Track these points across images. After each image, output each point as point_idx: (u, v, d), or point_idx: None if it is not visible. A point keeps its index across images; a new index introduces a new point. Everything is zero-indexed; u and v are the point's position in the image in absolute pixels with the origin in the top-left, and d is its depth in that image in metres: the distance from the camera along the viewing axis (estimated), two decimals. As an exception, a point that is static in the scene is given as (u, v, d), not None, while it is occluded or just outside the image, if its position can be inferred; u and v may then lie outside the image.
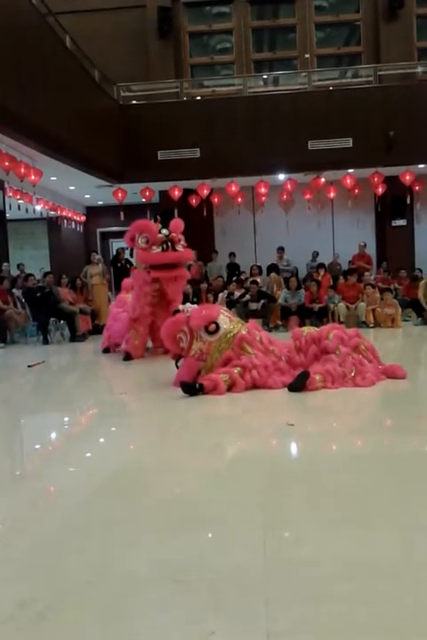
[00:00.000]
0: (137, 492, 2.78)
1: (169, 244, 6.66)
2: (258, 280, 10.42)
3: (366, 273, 10.56)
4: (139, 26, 13.70)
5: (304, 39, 14.03)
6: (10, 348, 8.85)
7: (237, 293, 10.14)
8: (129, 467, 3.25)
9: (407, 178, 11.94)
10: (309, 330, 5.33)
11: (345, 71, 14.48)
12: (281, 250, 12.17)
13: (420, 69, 13.61)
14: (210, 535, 2.30)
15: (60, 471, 3.22)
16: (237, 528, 2.31)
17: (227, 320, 5.23)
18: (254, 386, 4.88)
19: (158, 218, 7.10)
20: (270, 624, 1.67)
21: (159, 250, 6.65)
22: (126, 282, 8.43)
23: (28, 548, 2.25)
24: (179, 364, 5.21)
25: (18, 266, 12.07)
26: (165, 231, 6.72)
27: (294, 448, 3.57)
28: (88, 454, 3.58)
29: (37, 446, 3.91)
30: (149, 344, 7.49)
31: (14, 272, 11.94)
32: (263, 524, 2.32)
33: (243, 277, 11.17)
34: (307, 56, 13.97)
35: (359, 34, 14.16)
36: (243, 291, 10.11)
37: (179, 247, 6.78)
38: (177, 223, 7.03)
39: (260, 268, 11.58)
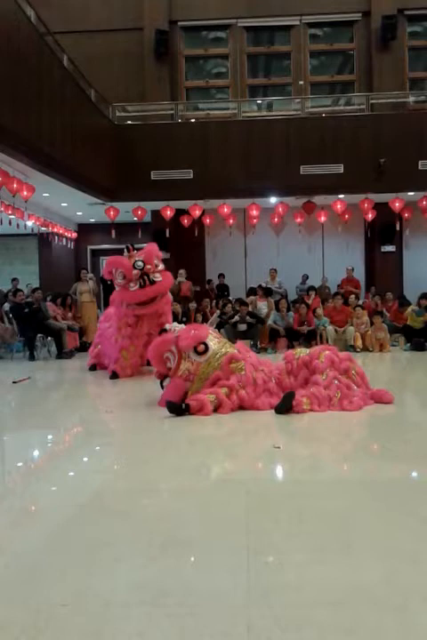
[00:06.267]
0: (119, 513, 2.73)
1: (145, 277, 6.59)
2: (249, 302, 10.42)
3: (352, 296, 10.61)
4: (136, 47, 13.87)
5: (298, 66, 14.26)
6: (-4, 362, 8.77)
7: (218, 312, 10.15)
8: (112, 487, 3.20)
9: (397, 205, 12.10)
10: (301, 353, 5.29)
11: (338, 99, 14.72)
12: (273, 271, 12.17)
13: (411, 99, 13.86)
14: (192, 559, 2.27)
15: (42, 490, 3.17)
16: (220, 552, 2.28)
17: (215, 341, 5.21)
18: (241, 407, 4.86)
19: (130, 247, 7.03)
20: (251, 651, 1.64)
21: (137, 286, 6.59)
22: (114, 295, 8.39)
23: (6, 568, 2.19)
24: (164, 384, 5.17)
25: (12, 280, 11.95)
26: (139, 263, 6.62)
27: (279, 471, 3.54)
28: (71, 473, 3.52)
29: (19, 464, 3.85)
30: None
31: (5, 287, 11.87)
32: (247, 548, 2.29)
33: (231, 299, 11.17)
34: (301, 83, 14.20)
35: (353, 63, 14.42)
36: (231, 312, 10.10)
37: (156, 276, 6.69)
38: (150, 251, 6.92)
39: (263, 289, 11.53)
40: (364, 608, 1.85)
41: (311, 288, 11.51)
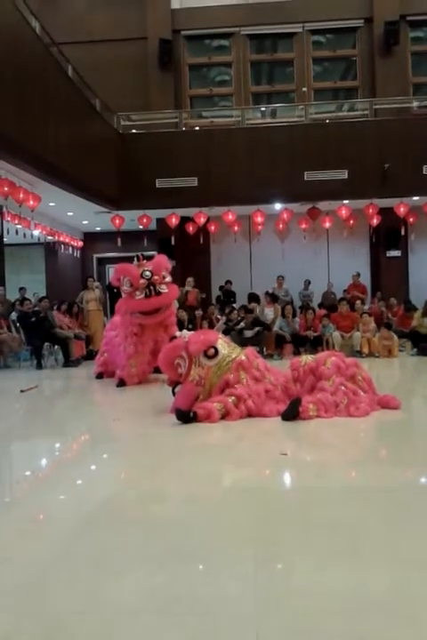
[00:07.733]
0: (127, 521, 2.74)
1: (152, 288, 6.65)
2: (253, 308, 10.41)
3: (358, 302, 10.59)
4: (140, 57, 13.98)
5: (302, 73, 14.32)
6: (2, 372, 8.81)
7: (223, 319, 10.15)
8: (120, 495, 3.21)
9: (402, 210, 12.09)
10: (307, 360, 5.27)
11: (342, 105, 14.76)
12: (281, 278, 12.14)
13: (415, 104, 13.89)
14: (201, 566, 2.27)
15: (50, 498, 3.17)
16: (229, 559, 2.28)
17: (225, 345, 5.22)
18: (249, 414, 4.86)
19: (140, 256, 7.09)
20: (260, 659, 1.64)
21: (142, 295, 6.65)
22: (121, 304, 8.43)
23: (15, 577, 2.20)
24: (176, 390, 5.17)
25: (19, 290, 11.99)
26: (147, 273, 6.69)
27: (287, 478, 3.54)
28: (79, 481, 3.53)
29: (27, 473, 3.86)
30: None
31: (12, 297, 11.89)
32: (255, 555, 2.28)
33: (235, 306, 11.15)
34: (304, 89, 14.24)
35: (356, 69, 14.46)
36: (237, 319, 10.09)
37: (162, 287, 6.76)
38: (159, 262, 7.00)
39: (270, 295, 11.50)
40: (373, 616, 1.84)
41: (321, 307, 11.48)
